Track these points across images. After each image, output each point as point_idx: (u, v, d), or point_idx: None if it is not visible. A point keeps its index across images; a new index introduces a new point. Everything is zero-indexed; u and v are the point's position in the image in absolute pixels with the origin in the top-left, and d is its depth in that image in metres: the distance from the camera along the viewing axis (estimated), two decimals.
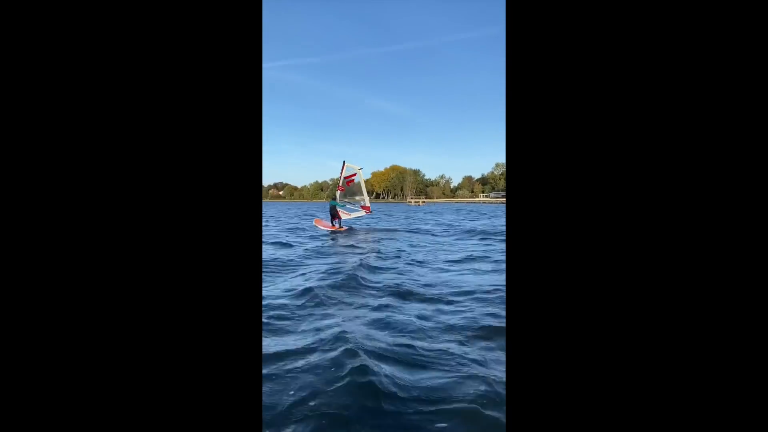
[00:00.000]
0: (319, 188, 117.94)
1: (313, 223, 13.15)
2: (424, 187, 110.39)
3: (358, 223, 13.51)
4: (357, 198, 12.32)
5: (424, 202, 71.74)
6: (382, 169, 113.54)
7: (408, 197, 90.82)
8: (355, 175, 12.13)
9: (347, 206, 12.34)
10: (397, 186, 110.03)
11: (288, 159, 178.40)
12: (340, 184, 12.13)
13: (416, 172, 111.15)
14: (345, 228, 11.89)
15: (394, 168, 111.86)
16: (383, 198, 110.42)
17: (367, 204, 12.42)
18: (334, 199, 12.15)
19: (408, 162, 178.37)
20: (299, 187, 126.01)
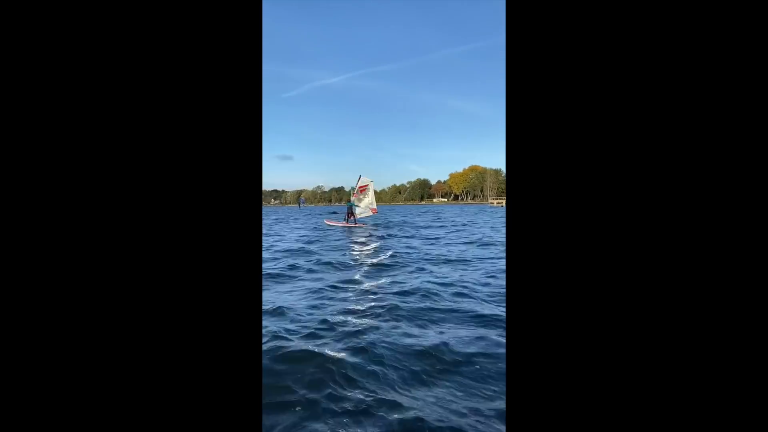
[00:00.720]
0: (397, 191, 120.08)
1: (324, 222, 18.29)
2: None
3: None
4: (366, 201, 17.55)
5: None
6: (460, 170, 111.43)
7: (489, 198, 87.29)
8: (367, 186, 17.18)
9: (358, 209, 17.53)
10: (476, 187, 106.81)
11: (372, 164, 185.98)
12: (355, 192, 17.14)
13: (497, 172, 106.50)
14: (358, 223, 16.94)
15: (473, 168, 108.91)
16: (461, 199, 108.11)
17: (374, 206, 17.70)
18: (350, 201, 17.24)
19: (490, 162, 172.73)
20: (378, 190, 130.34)
